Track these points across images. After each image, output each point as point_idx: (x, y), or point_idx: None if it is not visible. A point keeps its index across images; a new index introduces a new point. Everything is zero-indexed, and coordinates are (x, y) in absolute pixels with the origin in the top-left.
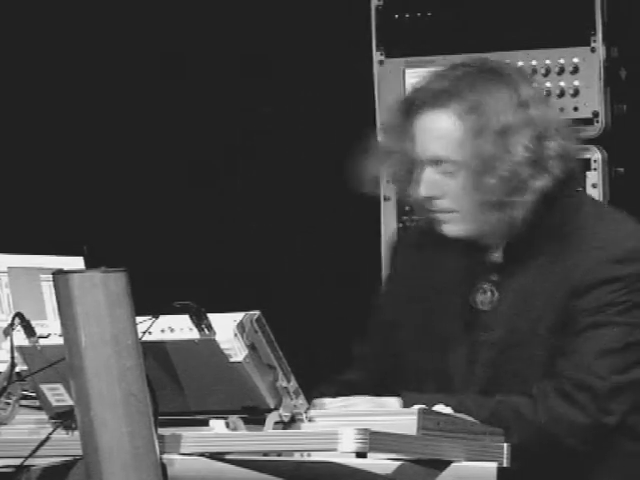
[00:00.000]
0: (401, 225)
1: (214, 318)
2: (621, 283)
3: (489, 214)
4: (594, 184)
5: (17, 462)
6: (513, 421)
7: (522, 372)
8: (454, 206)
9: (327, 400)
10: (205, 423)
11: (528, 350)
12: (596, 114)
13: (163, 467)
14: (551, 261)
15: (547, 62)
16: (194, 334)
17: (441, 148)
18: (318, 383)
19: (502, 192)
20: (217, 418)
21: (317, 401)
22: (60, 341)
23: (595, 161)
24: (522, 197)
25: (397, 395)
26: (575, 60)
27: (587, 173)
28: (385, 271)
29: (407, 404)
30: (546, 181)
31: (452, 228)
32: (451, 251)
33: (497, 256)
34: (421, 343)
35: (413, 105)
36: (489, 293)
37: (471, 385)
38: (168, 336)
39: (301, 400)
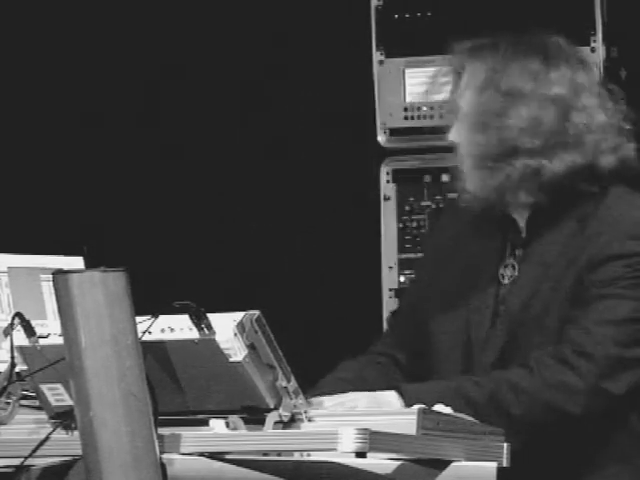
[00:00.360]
0: (401, 225)
1: (214, 318)
2: (636, 258)
3: (482, 173)
4: None
5: (17, 462)
6: (513, 396)
7: (538, 344)
8: (460, 161)
9: (325, 398)
10: (205, 423)
11: (543, 322)
12: None
13: (163, 467)
14: (571, 235)
15: None
16: (194, 334)
17: (457, 94)
18: (318, 383)
19: (491, 152)
20: (217, 418)
21: (315, 400)
22: (60, 341)
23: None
24: (513, 163)
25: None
26: None
27: None
28: (385, 270)
29: (405, 397)
30: (559, 163)
31: (461, 192)
32: (487, 226)
33: (521, 232)
34: (448, 313)
35: (455, 52)
36: (510, 267)
37: (486, 357)
38: (168, 336)
39: (301, 400)
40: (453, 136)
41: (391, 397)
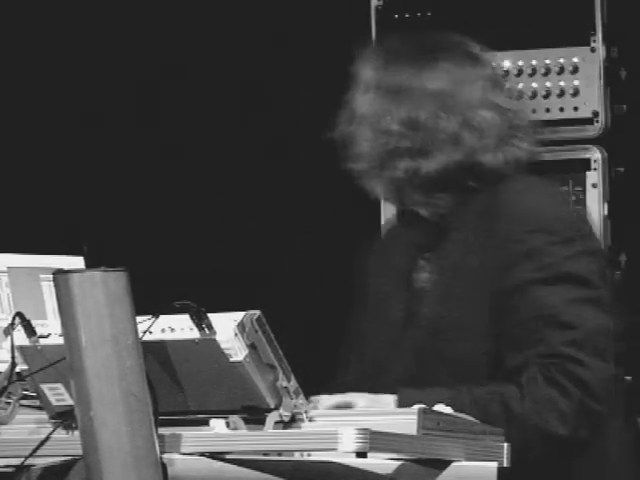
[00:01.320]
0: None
1: (214, 318)
2: (544, 255)
3: (374, 178)
4: (594, 184)
5: (17, 462)
6: (502, 416)
7: (451, 354)
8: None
9: (324, 397)
10: (205, 423)
11: (459, 325)
12: (596, 114)
13: (163, 467)
14: (477, 238)
15: (547, 62)
16: (194, 334)
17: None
18: (318, 383)
19: (377, 155)
20: (217, 418)
21: (314, 398)
22: (60, 341)
23: (595, 161)
24: (396, 165)
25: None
26: (575, 60)
27: (587, 173)
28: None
29: (402, 400)
30: (435, 161)
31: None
32: (404, 234)
33: (431, 234)
34: (374, 329)
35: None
36: (424, 272)
37: (401, 368)
38: (168, 336)
39: (301, 400)
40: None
41: (389, 400)
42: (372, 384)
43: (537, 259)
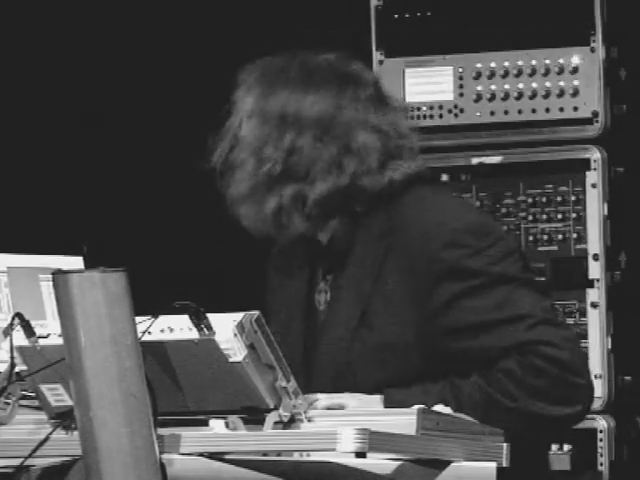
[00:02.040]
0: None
1: (214, 318)
2: (463, 270)
3: (251, 205)
4: (594, 184)
5: (17, 462)
6: (488, 410)
7: (366, 380)
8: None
9: (320, 395)
10: (205, 423)
11: (376, 351)
12: (596, 114)
13: (162, 467)
14: (380, 258)
15: (547, 62)
16: (194, 334)
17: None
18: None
19: (256, 183)
20: (217, 418)
21: (309, 396)
22: (60, 341)
23: (595, 161)
24: (277, 191)
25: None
26: (575, 60)
27: (587, 173)
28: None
29: (387, 400)
30: (319, 188)
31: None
32: (298, 258)
33: (327, 256)
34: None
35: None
36: (323, 294)
37: (314, 387)
38: (167, 336)
39: (300, 400)
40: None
41: (376, 401)
42: None
43: (458, 274)
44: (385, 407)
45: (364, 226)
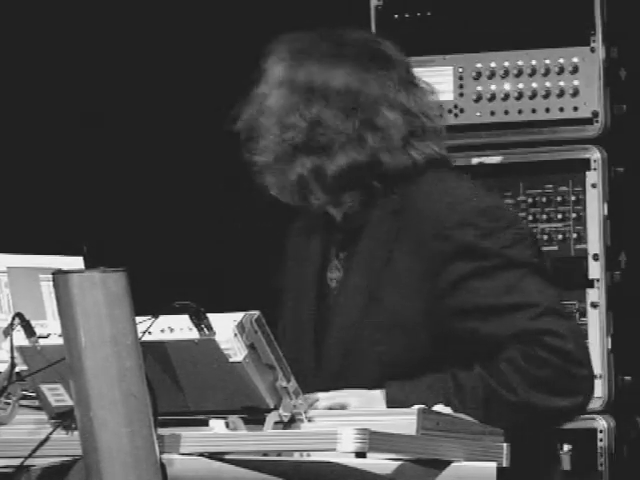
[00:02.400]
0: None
1: (214, 318)
2: (474, 250)
3: (274, 174)
4: (594, 184)
5: (17, 462)
6: (489, 401)
7: (375, 357)
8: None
9: (320, 395)
10: (205, 423)
11: (385, 331)
12: (596, 114)
13: (163, 467)
14: (392, 237)
15: (547, 62)
16: (194, 334)
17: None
18: None
19: (279, 152)
20: (217, 418)
21: (309, 395)
22: (60, 341)
23: (595, 161)
24: (299, 162)
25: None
26: (575, 60)
27: (587, 173)
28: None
29: (389, 394)
30: (338, 161)
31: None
32: (315, 232)
33: (342, 233)
34: (290, 328)
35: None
36: (337, 270)
37: (324, 370)
38: (168, 336)
39: (301, 400)
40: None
41: (377, 396)
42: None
43: (470, 254)
44: (387, 404)
45: (379, 204)
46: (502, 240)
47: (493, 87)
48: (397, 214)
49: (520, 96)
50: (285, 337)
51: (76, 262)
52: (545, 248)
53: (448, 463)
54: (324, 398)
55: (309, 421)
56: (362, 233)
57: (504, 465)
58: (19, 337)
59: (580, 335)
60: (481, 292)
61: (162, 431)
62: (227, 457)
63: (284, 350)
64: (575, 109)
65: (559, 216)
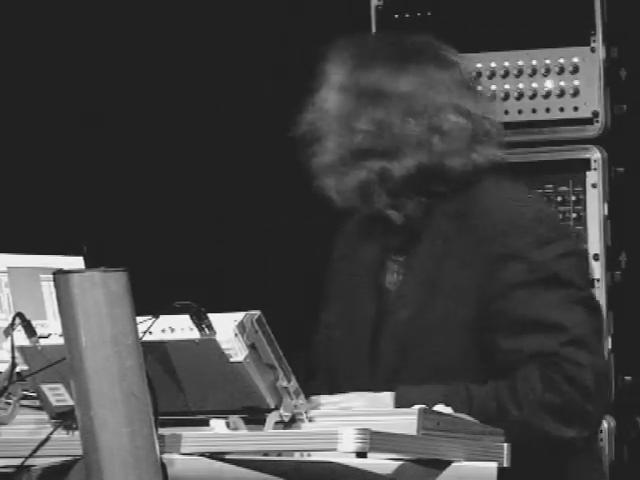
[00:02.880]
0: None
1: (214, 318)
2: (525, 259)
3: (336, 178)
4: (594, 184)
5: (17, 462)
6: (500, 419)
7: (429, 357)
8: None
9: (323, 397)
10: (205, 423)
11: (438, 333)
12: (596, 114)
13: (163, 467)
14: (451, 241)
15: (547, 62)
16: (194, 334)
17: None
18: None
19: (342, 156)
20: (217, 418)
21: (313, 398)
22: (60, 341)
23: (595, 161)
24: (364, 165)
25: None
26: (575, 60)
27: (587, 173)
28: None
29: (399, 398)
30: (405, 164)
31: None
32: (370, 235)
33: (401, 236)
34: (342, 328)
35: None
36: (395, 274)
37: (379, 370)
38: (168, 336)
39: (301, 400)
40: (323, 140)
41: (386, 399)
42: (342, 383)
43: (521, 262)
44: (397, 404)
45: (440, 208)
46: (553, 252)
47: (493, 87)
48: (456, 218)
49: (520, 96)
50: (330, 335)
51: (76, 262)
52: None
53: (448, 463)
54: (328, 403)
55: (310, 421)
56: (421, 236)
57: (504, 465)
58: (20, 337)
59: (602, 372)
60: (521, 304)
61: (163, 431)
62: (228, 457)
63: (333, 348)
64: (575, 109)
65: (559, 216)
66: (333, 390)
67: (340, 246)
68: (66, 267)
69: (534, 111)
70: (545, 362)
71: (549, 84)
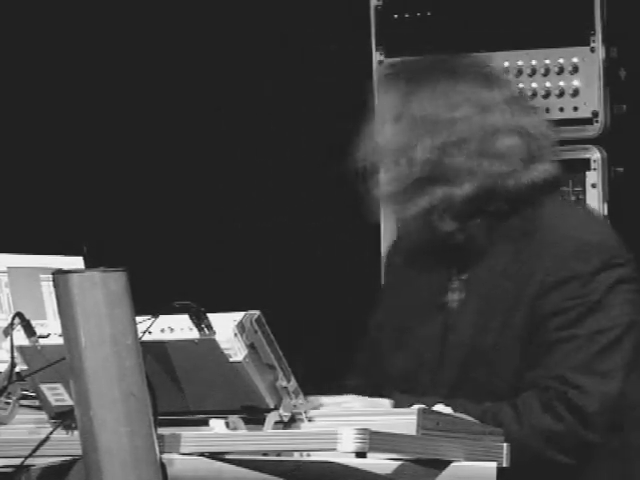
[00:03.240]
0: (400, 225)
1: (214, 318)
2: (579, 281)
3: (397, 207)
4: (593, 184)
5: (17, 462)
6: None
7: (486, 376)
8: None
9: (323, 398)
10: (205, 423)
11: (493, 354)
12: (596, 114)
13: (163, 467)
14: (512, 260)
15: (547, 62)
16: (194, 334)
17: (375, 130)
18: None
19: (403, 186)
20: (217, 418)
21: (312, 398)
22: (60, 341)
23: (595, 161)
24: (426, 192)
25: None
26: (575, 60)
27: (587, 173)
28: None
29: (397, 405)
30: (466, 188)
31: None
32: (431, 252)
33: (463, 255)
34: (398, 345)
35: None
36: (457, 292)
37: (439, 387)
38: (168, 336)
39: (301, 400)
40: (382, 171)
41: (385, 404)
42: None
43: (574, 286)
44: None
45: (501, 226)
46: (607, 279)
47: None
48: (518, 238)
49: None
50: (380, 338)
51: (76, 262)
52: None
53: (448, 463)
54: (328, 404)
55: (309, 421)
56: (483, 255)
57: (504, 465)
58: (19, 337)
59: (608, 403)
60: (557, 328)
61: (162, 431)
62: (227, 457)
63: (389, 359)
64: (575, 109)
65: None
66: (374, 393)
67: (392, 266)
68: (66, 267)
69: None
70: (548, 385)
71: (549, 84)
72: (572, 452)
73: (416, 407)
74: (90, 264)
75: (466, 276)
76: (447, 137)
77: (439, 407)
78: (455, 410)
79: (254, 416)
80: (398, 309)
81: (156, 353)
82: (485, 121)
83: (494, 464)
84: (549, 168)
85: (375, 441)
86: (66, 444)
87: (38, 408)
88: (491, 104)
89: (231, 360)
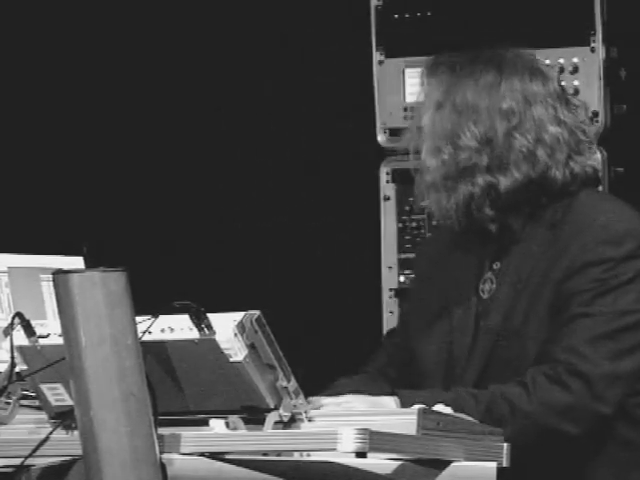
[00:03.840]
0: (401, 225)
1: (214, 318)
2: (606, 265)
3: (440, 195)
4: None
5: (17, 462)
6: (508, 414)
7: (513, 362)
8: (419, 183)
9: (323, 398)
10: (205, 423)
11: (523, 340)
12: (596, 114)
13: (163, 467)
14: (544, 246)
15: (547, 62)
16: (194, 334)
17: (420, 115)
18: (317, 383)
19: (447, 173)
20: (217, 418)
21: (314, 399)
22: (60, 341)
23: (595, 161)
24: (470, 181)
25: (394, 393)
26: (575, 60)
27: None
28: (384, 271)
29: (403, 402)
30: (511, 178)
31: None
32: (466, 242)
33: (498, 246)
34: (430, 331)
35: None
36: (489, 282)
37: (468, 374)
38: (168, 336)
39: (301, 400)
40: (424, 158)
41: (389, 402)
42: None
43: (602, 269)
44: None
45: (536, 218)
46: (632, 267)
47: None
48: (552, 229)
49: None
50: (410, 324)
51: (76, 262)
52: None
53: (448, 463)
54: (329, 404)
55: (309, 421)
56: (518, 245)
57: (504, 465)
58: (19, 337)
59: (615, 375)
60: (577, 308)
61: (162, 431)
62: (227, 457)
63: (420, 351)
64: None
65: None
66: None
67: (426, 254)
68: (66, 267)
69: None
70: (557, 358)
71: None
72: (584, 424)
73: (416, 407)
74: (90, 264)
75: (498, 265)
76: (490, 126)
77: (439, 407)
78: (461, 398)
79: (254, 416)
80: (430, 298)
81: (156, 353)
82: (531, 112)
83: (494, 464)
84: (587, 162)
85: (375, 441)
86: (66, 444)
87: (38, 408)
88: (536, 95)
89: (231, 360)
